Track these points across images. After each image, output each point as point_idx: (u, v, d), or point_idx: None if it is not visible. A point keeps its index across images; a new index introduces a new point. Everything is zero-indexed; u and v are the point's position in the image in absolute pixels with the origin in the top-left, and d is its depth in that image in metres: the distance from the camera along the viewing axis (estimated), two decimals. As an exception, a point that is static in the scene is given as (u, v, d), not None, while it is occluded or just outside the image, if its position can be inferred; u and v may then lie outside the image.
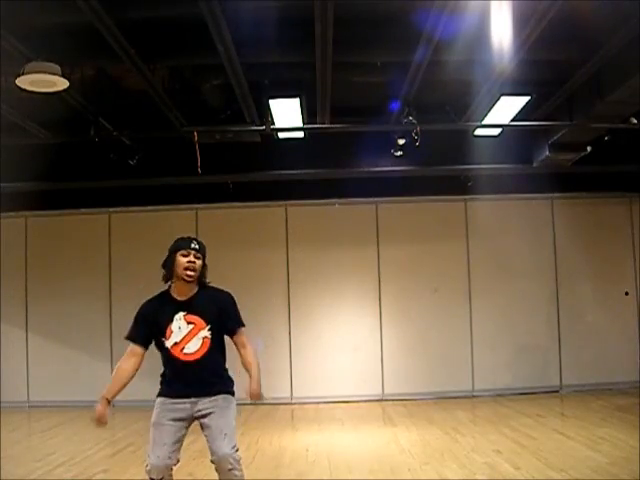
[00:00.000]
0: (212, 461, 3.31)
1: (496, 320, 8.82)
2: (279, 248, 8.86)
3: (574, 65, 5.54)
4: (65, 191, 8.36)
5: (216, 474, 3.35)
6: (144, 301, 3.50)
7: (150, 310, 3.45)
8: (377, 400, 8.69)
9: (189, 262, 3.35)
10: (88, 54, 5.20)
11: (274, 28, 4.77)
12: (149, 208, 8.84)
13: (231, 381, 3.48)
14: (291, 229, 8.96)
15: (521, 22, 4.54)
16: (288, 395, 8.75)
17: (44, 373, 8.80)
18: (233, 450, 3.28)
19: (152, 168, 7.59)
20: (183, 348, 3.34)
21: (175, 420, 3.33)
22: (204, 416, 3.33)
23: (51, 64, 4.80)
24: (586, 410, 7.41)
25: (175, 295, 3.41)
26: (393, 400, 8.60)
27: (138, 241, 8.81)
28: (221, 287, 3.54)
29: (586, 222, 8.95)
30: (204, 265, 3.45)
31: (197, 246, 3.41)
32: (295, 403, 8.66)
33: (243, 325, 3.49)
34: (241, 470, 3.31)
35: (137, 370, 3.41)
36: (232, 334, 3.47)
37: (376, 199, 8.92)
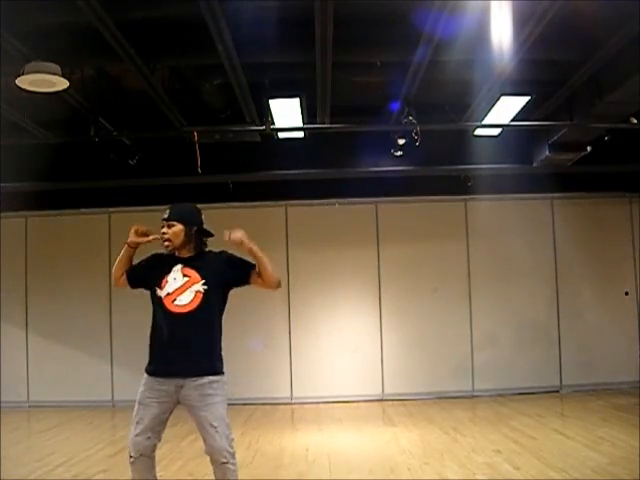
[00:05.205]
0: (206, 452, 3.28)
1: (496, 320, 8.82)
2: (279, 248, 8.84)
3: (574, 65, 5.54)
4: (65, 191, 8.35)
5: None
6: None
7: (152, 261, 3.54)
8: (377, 400, 8.69)
9: (162, 233, 3.46)
10: (88, 54, 5.20)
11: (274, 28, 4.76)
12: (149, 208, 8.77)
13: (220, 360, 3.42)
14: (291, 229, 8.95)
15: (521, 22, 4.54)
16: (288, 395, 8.74)
17: (44, 373, 8.79)
18: (227, 443, 3.24)
19: (152, 168, 7.58)
20: (175, 300, 3.35)
21: (159, 402, 3.29)
22: (191, 406, 3.30)
23: (51, 64, 4.79)
24: (586, 410, 7.41)
25: (177, 254, 3.49)
26: (393, 400, 8.59)
27: (138, 241, 8.80)
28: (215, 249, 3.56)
29: (586, 222, 8.94)
30: (190, 228, 3.46)
31: (166, 215, 3.50)
32: (295, 403, 8.65)
33: (253, 265, 3.46)
34: (235, 464, 3.27)
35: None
36: (249, 279, 3.47)
37: (376, 199, 8.91)
